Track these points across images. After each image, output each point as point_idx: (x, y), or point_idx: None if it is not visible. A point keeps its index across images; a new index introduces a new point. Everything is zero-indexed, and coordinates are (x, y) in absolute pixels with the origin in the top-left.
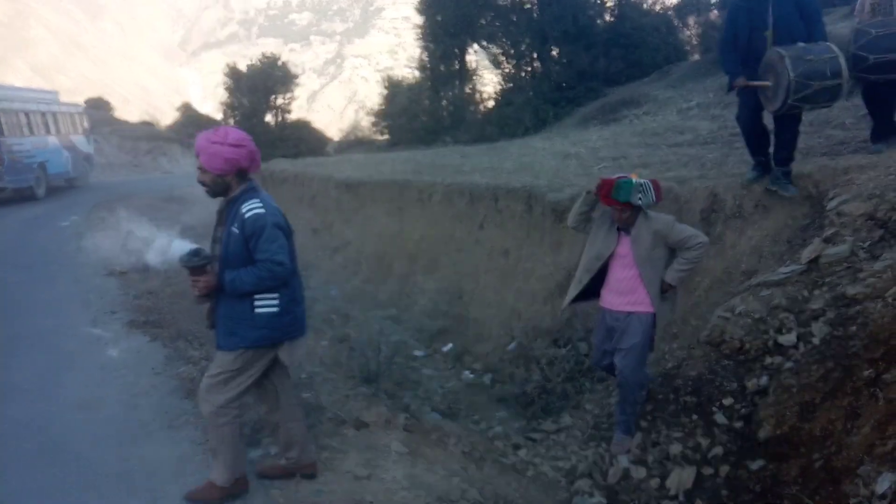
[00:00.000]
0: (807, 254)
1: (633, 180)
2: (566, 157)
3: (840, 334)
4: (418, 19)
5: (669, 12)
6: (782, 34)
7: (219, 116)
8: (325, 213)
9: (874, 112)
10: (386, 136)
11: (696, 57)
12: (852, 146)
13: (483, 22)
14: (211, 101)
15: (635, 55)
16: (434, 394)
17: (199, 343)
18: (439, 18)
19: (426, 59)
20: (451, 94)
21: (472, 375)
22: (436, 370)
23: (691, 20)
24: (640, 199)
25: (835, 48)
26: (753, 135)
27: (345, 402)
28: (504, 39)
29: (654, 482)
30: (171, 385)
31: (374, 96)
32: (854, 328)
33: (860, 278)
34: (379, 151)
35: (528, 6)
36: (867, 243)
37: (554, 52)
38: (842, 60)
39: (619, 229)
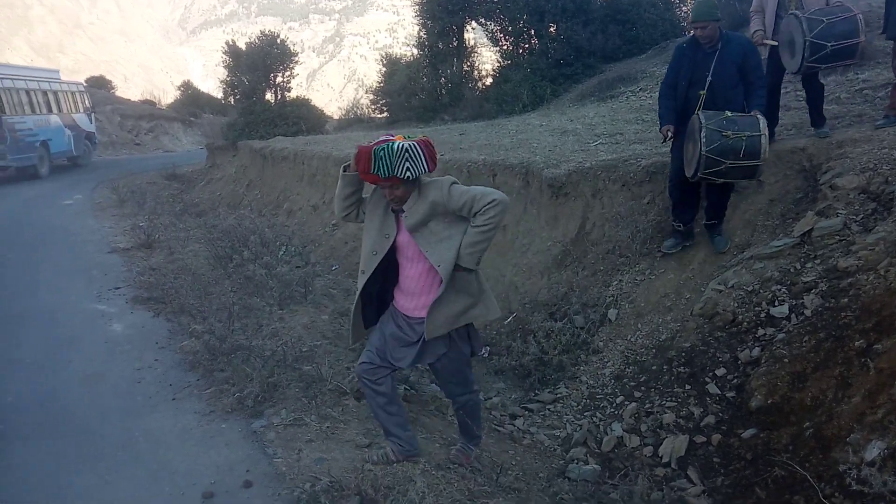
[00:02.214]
0: (799, 227)
1: (396, 143)
2: (563, 133)
3: (832, 306)
4: None
5: None
6: (716, 97)
7: (219, 94)
8: (324, 191)
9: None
10: (385, 114)
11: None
12: (847, 120)
13: None
14: (212, 80)
15: (633, 32)
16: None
17: (202, 317)
18: None
19: (424, 36)
20: (449, 71)
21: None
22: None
23: None
24: (408, 170)
25: (762, 124)
26: (678, 191)
27: (346, 374)
28: (502, 16)
29: (648, 450)
30: (174, 359)
31: (372, 74)
32: (846, 300)
33: (852, 251)
34: (378, 129)
35: None
36: (860, 216)
37: (552, 29)
38: (764, 141)
39: (395, 212)
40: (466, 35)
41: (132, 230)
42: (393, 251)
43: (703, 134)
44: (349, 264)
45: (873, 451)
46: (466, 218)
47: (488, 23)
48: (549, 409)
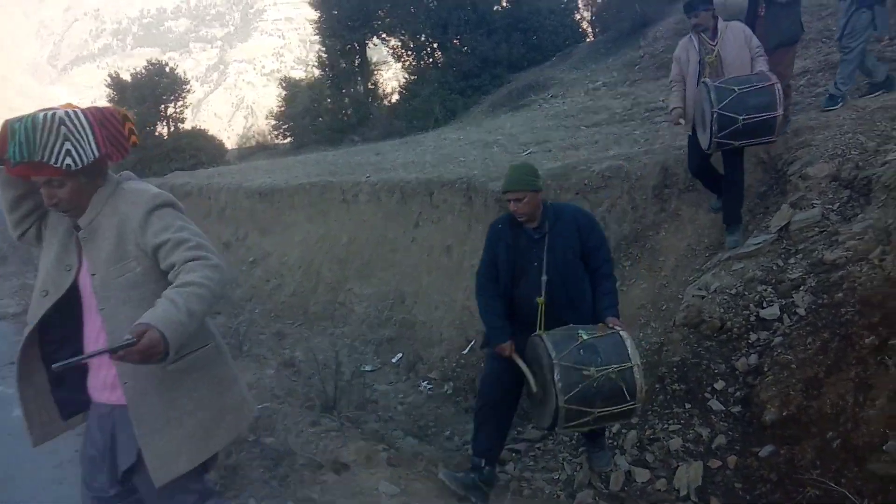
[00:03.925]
0: (776, 221)
1: (44, 113)
2: (486, 145)
3: (826, 302)
4: (302, 20)
5: None
6: (556, 301)
7: None
8: (237, 226)
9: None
10: (288, 140)
11: (592, 38)
12: (800, 107)
13: (381, 13)
14: None
15: (535, 39)
16: (395, 412)
17: None
18: (335, 13)
19: (325, 56)
20: (353, 90)
21: (430, 386)
22: (389, 384)
23: (581, 2)
24: (67, 154)
25: (629, 346)
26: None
27: (315, 442)
28: (403, 31)
29: (661, 483)
30: None
31: (263, 100)
32: (840, 294)
33: (839, 242)
34: (284, 155)
35: None
36: (836, 205)
37: (455, 41)
38: (637, 373)
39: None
40: (369, 52)
41: (20, 291)
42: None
43: (556, 376)
44: (275, 304)
45: None
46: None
47: (390, 38)
48: (539, 449)
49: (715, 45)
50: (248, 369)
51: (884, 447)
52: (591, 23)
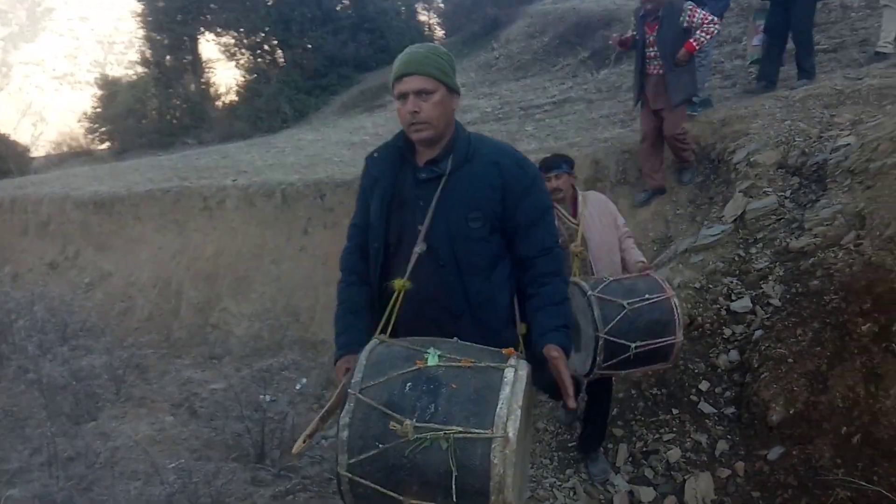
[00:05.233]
0: (730, 211)
1: None
2: (353, 145)
3: (802, 291)
4: (98, 19)
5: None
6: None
7: None
8: (65, 242)
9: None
10: (107, 144)
11: (436, 40)
12: (719, 97)
13: (214, 7)
14: None
15: (382, 40)
16: (322, 450)
17: None
18: (162, 4)
19: (149, 52)
20: (182, 90)
21: None
22: (300, 417)
23: (419, 7)
24: None
25: (515, 386)
26: None
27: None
28: (240, 28)
29: (670, 500)
30: None
31: (55, 105)
32: (816, 282)
33: (805, 228)
34: (106, 161)
35: None
36: (788, 192)
37: (300, 39)
38: (496, 453)
39: None
40: (201, 48)
41: None
42: None
43: (344, 418)
44: (126, 332)
45: None
46: None
47: (226, 34)
48: None
49: (577, 225)
50: (139, 417)
51: None
52: (430, 26)
